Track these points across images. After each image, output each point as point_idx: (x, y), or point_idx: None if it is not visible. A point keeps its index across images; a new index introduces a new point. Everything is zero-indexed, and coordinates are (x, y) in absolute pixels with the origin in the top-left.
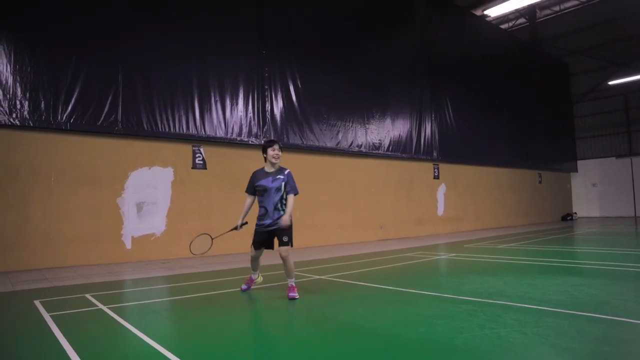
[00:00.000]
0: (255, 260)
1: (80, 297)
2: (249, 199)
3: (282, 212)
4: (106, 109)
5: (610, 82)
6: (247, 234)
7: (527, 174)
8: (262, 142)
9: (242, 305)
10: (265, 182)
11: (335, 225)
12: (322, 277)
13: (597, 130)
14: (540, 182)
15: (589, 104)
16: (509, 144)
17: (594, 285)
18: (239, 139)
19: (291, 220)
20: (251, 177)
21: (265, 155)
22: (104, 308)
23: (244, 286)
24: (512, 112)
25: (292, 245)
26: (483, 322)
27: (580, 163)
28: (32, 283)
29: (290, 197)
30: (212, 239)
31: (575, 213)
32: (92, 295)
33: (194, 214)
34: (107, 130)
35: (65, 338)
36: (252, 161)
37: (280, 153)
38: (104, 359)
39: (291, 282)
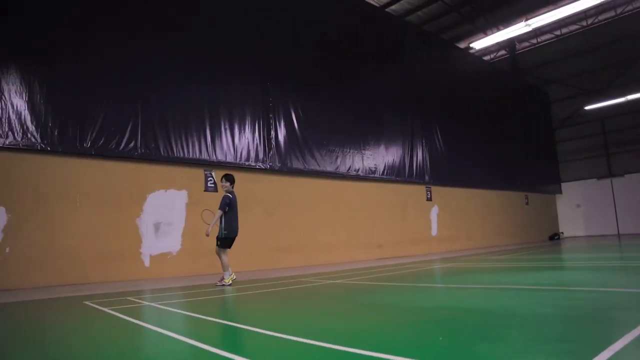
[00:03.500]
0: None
1: (122, 299)
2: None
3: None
4: (127, 136)
5: (587, 108)
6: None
7: (515, 195)
8: (268, 166)
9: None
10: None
11: (335, 244)
12: (335, 281)
13: (578, 154)
14: (527, 203)
15: (569, 129)
16: (496, 167)
17: (578, 275)
18: (247, 163)
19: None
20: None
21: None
22: (153, 304)
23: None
24: (497, 137)
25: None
26: (486, 297)
27: (564, 185)
28: (67, 293)
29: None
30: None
31: (562, 232)
32: (133, 298)
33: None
34: (128, 155)
35: (141, 321)
36: (257, 183)
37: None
38: (190, 330)
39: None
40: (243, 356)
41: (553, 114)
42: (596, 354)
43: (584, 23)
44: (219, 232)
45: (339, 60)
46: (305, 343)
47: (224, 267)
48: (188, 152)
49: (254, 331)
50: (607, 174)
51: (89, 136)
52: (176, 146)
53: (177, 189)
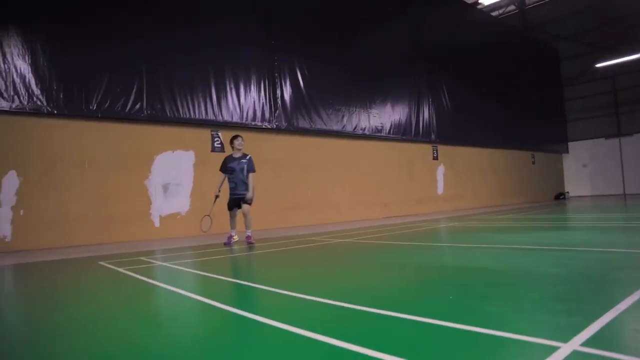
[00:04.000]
0: (232, 218)
1: (135, 259)
2: (223, 176)
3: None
4: (132, 98)
5: (598, 65)
6: None
7: (521, 155)
8: (274, 126)
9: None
10: (233, 165)
11: (343, 203)
12: (343, 240)
13: (586, 113)
14: (533, 162)
15: (578, 87)
16: (503, 126)
17: (583, 235)
18: (253, 123)
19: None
20: (224, 161)
21: (232, 145)
22: (165, 264)
23: (226, 241)
24: (505, 95)
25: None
26: (493, 256)
27: (571, 144)
28: (81, 254)
29: (251, 176)
30: (209, 215)
31: (568, 192)
32: (145, 258)
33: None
34: (134, 117)
35: (156, 281)
36: (265, 143)
37: (243, 143)
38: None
39: (249, 232)
40: (256, 314)
41: (562, 71)
42: (601, 313)
43: None
44: (251, 192)
45: (344, 19)
46: (318, 301)
47: (250, 224)
48: (194, 112)
49: (265, 289)
50: (616, 133)
51: (94, 99)
52: (182, 107)
53: (184, 150)
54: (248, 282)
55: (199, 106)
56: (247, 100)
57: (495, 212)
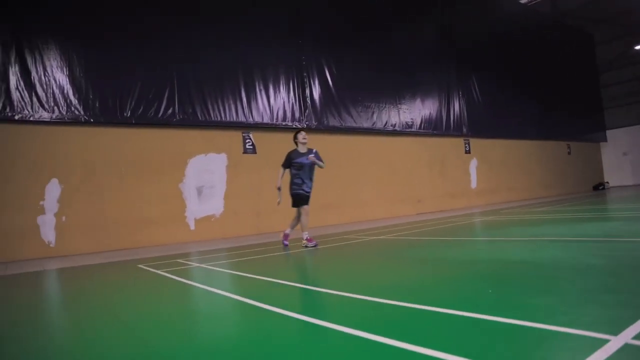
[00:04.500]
0: (298, 217)
1: (173, 262)
2: (283, 170)
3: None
4: (164, 103)
5: (637, 47)
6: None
7: (556, 145)
8: (305, 125)
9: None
10: (302, 160)
11: (375, 200)
12: (379, 237)
13: (624, 99)
14: (569, 153)
15: (615, 72)
16: (537, 117)
17: (626, 225)
18: (283, 123)
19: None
20: (288, 156)
21: (296, 141)
22: (202, 265)
23: (285, 242)
24: (537, 85)
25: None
26: (533, 249)
27: (609, 132)
28: (121, 257)
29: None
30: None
31: (607, 182)
32: (182, 260)
33: (248, 194)
34: (167, 122)
35: (193, 282)
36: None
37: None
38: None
39: (307, 234)
40: (297, 312)
41: (598, 56)
42: None
43: None
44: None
45: (370, 15)
46: (359, 299)
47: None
48: (225, 115)
49: (304, 288)
50: None
51: (128, 106)
52: (213, 110)
53: (217, 152)
54: (287, 281)
55: (229, 108)
56: (276, 101)
57: (532, 204)
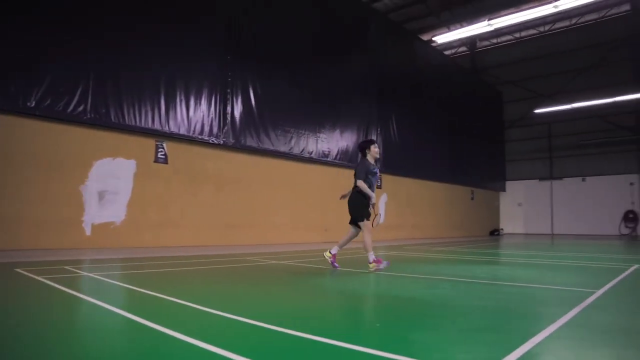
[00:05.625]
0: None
1: (59, 268)
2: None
3: None
4: (76, 99)
5: (536, 111)
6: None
7: (461, 190)
8: (222, 142)
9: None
10: (376, 170)
11: (285, 225)
12: (281, 262)
13: (524, 155)
14: (472, 198)
15: (518, 130)
16: (447, 160)
17: (512, 270)
18: (200, 137)
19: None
20: (365, 165)
21: (368, 151)
22: (90, 274)
23: (335, 264)
24: (451, 131)
25: None
26: (426, 287)
27: (508, 183)
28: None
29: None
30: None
31: (502, 229)
32: (70, 267)
33: (153, 206)
34: (76, 119)
35: (74, 291)
36: (210, 159)
37: None
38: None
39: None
40: (175, 330)
41: (505, 113)
42: (519, 344)
43: (542, 29)
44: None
45: (303, 43)
46: (239, 321)
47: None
48: (140, 120)
49: (187, 305)
50: (549, 176)
51: (33, 95)
52: (128, 114)
53: (126, 158)
54: (168, 296)
55: (145, 114)
56: (196, 113)
57: (434, 243)
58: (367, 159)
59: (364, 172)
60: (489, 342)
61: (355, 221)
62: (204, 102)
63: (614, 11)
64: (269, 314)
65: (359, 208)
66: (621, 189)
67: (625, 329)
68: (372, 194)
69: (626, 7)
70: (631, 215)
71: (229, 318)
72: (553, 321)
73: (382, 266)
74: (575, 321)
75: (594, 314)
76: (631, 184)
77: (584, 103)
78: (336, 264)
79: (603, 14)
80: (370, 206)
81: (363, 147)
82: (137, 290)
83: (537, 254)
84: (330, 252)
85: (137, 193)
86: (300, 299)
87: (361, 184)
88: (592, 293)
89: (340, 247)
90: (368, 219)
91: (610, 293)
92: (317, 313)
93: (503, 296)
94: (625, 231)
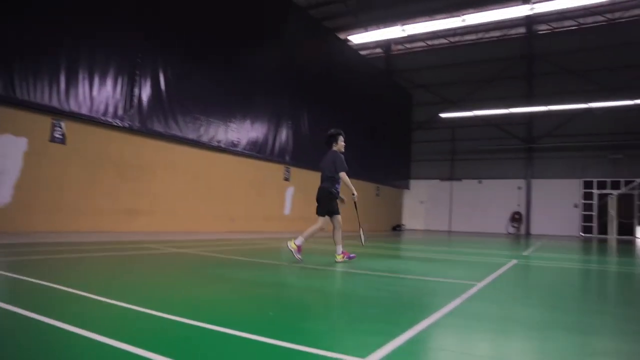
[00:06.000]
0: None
1: None
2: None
3: None
4: None
5: (442, 115)
6: None
7: (368, 186)
8: (127, 125)
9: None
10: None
11: (189, 213)
12: (181, 250)
13: (428, 155)
14: (377, 194)
15: (425, 131)
16: (356, 157)
17: (408, 264)
18: (103, 118)
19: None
20: (342, 158)
21: (335, 144)
22: None
23: (299, 256)
24: (361, 129)
25: None
26: (324, 277)
27: (412, 182)
28: None
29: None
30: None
31: (404, 224)
32: None
33: (46, 188)
34: None
35: None
36: (113, 142)
37: None
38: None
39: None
40: (66, 322)
41: (413, 115)
42: (404, 331)
43: (452, 39)
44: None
45: (219, 31)
46: (132, 309)
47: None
48: (35, 95)
49: (80, 295)
50: (449, 176)
51: None
52: (21, 87)
53: (15, 135)
54: (58, 285)
55: (42, 89)
56: (100, 93)
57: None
58: (337, 151)
59: (344, 163)
60: (377, 330)
61: (323, 214)
62: (109, 81)
63: (513, 32)
64: (164, 302)
65: (330, 202)
66: (510, 192)
67: (500, 317)
68: (353, 189)
69: (522, 29)
70: (517, 216)
71: (124, 307)
72: (437, 310)
73: (348, 258)
74: (457, 310)
75: (474, 303)
76: (519, 188)
77: (484, 112)
78: (300, 256)
79: (504, 32)
80: (342, 199)
81: (331, 137)
82: (23, 280)
83: (433, 248)
84: (295, 243)
85: (27, 174)
86: (196, 288)
87: (344, 175)
88: (475, 285)
89: (306, 238)
90: (338, 213)
91: (490, 285)
92: (212, 302)
93: (397, 288)
94: (511, 230)
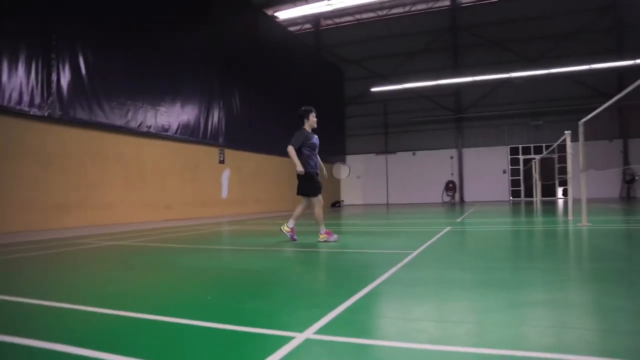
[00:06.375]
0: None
1: None
2: (295, 150)
3: None
4: None
5: (373, 89)
6: None
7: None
8: (46, 113)
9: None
10: (315, 141)
11: (122, 204)
12: (118, 242)
13: (362, 130)
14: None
15: (357, 106)
16: (290, 135)
17: (347, 239)
18: (18, 107)
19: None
20: (303, 135)
21: (306, 120)
22: None
23: (295, 237)
24: (294, 106)
25: None
26: (263, 258)
27: (348, 157)
28: None
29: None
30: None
31: (343, 200)
32: None
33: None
34: None
35: None
36: (32, 133)
37: None
38: None
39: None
40: None
41: (346, 91)
42: (341, 303)
43: (380, 13)
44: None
45: (142, 10)
46: (67, 308)
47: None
48: None
49: (3, 300)
50: (384, 150)
51: None
52: None
53: None
54: None
55: None
56: (11, 80)
57: (276, 217)
58: (304, 128)
59: (298, 140)
60: (315, 304)
61: (304, 194)
62: (22, 67)
63: (438, 4)
64: (99, 296)
65: (304, 180)
66: (443, 162)
67: (435, 281)
68: (298, 164)
69: (447, 2)
70: (450, 185)
71: (51, 307)
72: (374, 280)
73: (332, 239)
74: (393, 278)
75: (409, 270)
76: (451, 157)
77: (413, 84)
78: (295, 237)
79: (430, 5)
80: (316, 178)
81: (302, 115)
82: None
83: (372, 222)
84: (287, 226)
85: None
86: (132, 278)
87: (290, 149)
88: (411, 253)
89: (295, 219)
90: (314, 195)
91: (425, 251)
92: (148, 292)
93: (335, 262)
94: (446, 199)
